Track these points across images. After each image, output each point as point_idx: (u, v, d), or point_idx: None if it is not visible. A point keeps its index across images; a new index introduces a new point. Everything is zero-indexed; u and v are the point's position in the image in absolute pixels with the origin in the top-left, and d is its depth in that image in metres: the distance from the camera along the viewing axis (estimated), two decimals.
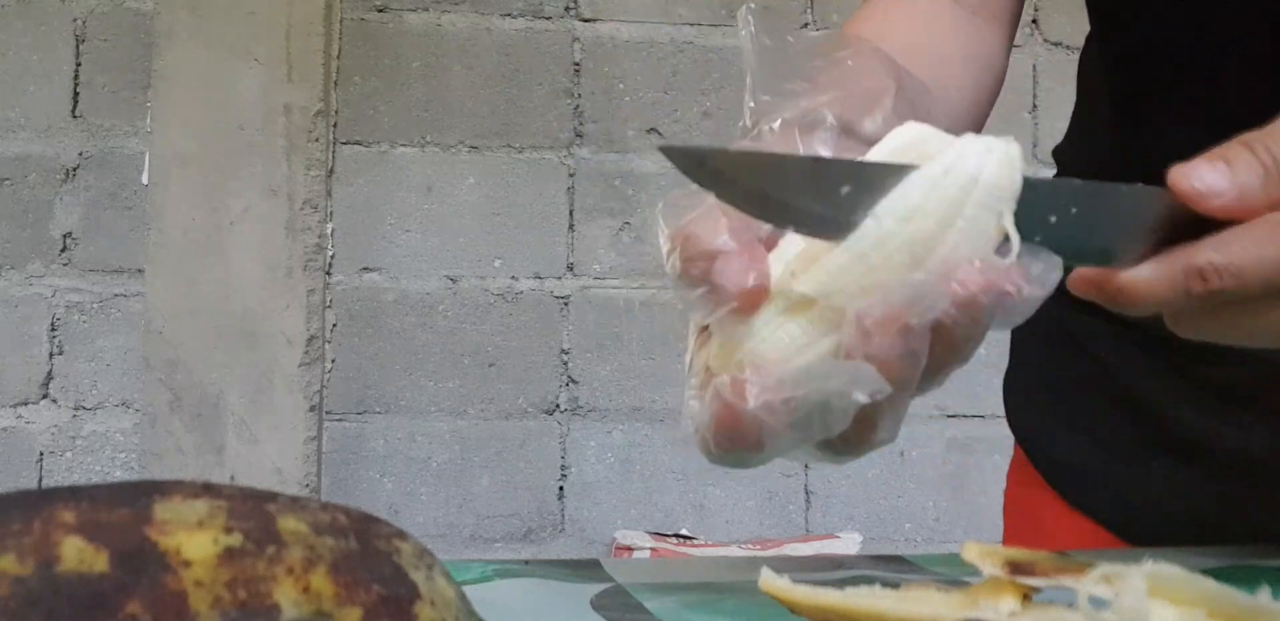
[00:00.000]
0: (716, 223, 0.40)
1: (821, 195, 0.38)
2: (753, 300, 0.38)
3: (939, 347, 0.38)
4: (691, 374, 0.42)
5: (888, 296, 0.37)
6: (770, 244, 0.41)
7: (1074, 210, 0.39)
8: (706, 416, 0.39)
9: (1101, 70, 0.71)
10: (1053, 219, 0.39)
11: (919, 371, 0.38)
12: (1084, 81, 0.75)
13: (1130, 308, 0.40)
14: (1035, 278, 0.37)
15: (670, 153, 0.38)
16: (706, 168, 0.38)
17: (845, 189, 0.38)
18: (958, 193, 0.37)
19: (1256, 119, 0.41)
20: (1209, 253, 0.38)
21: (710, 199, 0.40)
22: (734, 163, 0.38)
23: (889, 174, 0.38)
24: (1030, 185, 0.38)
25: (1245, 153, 0.39)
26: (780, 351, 0.39)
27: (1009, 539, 0.79)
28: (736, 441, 0.38)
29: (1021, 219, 0.38)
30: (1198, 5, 0.61)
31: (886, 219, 0.37)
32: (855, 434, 0.39)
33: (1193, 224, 0.40)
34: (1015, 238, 0.37)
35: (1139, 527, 0.70)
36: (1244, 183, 0.39)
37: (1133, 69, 0.67)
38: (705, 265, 0.39)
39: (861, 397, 0.37)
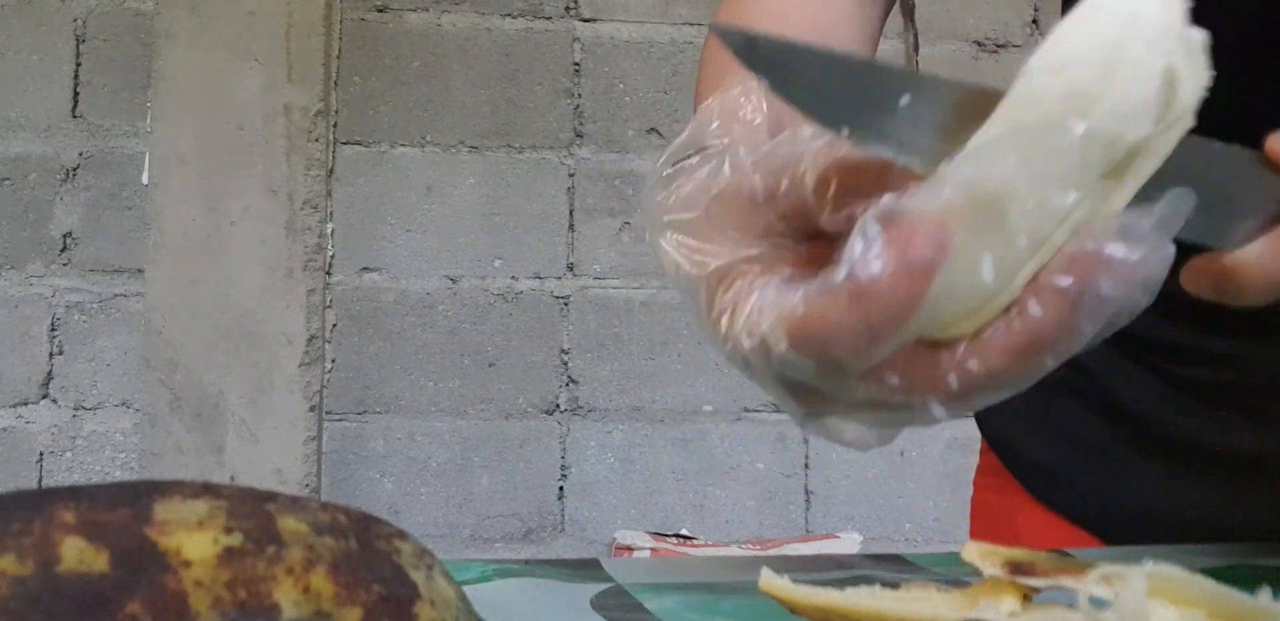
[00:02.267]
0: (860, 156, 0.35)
1: (878, 103, 0.35)
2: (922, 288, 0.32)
3: None
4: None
5: None
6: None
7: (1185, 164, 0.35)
8: (1025, 323, 0.33)
9: None
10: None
11: None
12: None
13: (1240, 290, 0.38)
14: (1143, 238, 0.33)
15: (724, 34, 0.35)
16: (758, 53, 0.35)
17: (904, 99, 0.34)
18: (1114, 31, 0.32)
19: (1262, 124, 0.41)
20: None
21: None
22: (786, 52, 0.35)
23: (953, 88, 0.35)
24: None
25: None
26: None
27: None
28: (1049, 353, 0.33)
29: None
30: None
31: (1036, 75, 0.32)
32: None
33: None
34: (1183, 82, 0.32)
35: (1119, 529, 0.69)
36: None
37: None
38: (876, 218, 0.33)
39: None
